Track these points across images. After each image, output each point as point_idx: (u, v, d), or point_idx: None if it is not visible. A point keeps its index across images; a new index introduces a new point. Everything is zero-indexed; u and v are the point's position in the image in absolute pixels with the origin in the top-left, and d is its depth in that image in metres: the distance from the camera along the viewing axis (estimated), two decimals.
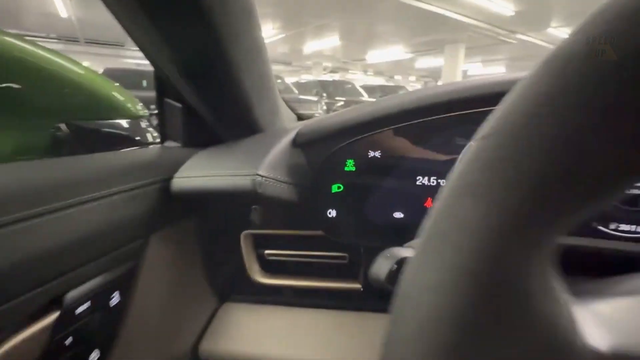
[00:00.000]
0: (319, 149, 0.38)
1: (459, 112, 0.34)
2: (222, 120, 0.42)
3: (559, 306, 0.12)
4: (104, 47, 12.20)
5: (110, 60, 12.29)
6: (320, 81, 8.15)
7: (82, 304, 0.28)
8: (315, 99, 6.68)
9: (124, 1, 0.29)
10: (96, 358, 0.31)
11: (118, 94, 0.43)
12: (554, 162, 0.11)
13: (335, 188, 0.38)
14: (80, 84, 0.38)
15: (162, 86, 0.42)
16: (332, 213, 0.38)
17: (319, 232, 0.40)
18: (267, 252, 0.45)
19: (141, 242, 0.35)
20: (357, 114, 0.37)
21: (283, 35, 9.22)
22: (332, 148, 0.38)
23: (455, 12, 6.91)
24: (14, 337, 0.23)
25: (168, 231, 0.38)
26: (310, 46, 10.81)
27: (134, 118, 0.43)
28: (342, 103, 7.18)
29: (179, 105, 0.42)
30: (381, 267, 0.22)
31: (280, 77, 7.81)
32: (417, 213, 0.36)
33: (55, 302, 0.26)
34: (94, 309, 0.29)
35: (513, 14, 6.75)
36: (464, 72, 13.96)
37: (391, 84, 17.96)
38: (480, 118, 0.14)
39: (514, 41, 8.97)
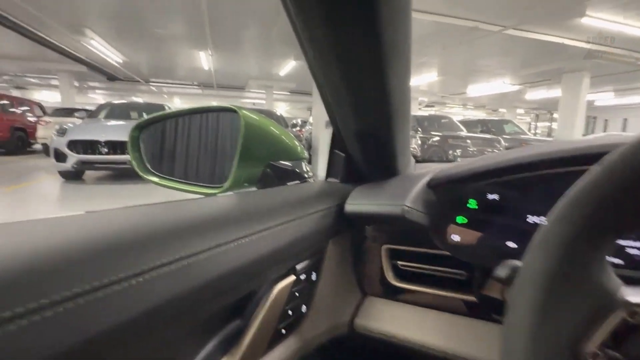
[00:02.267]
0: (448, 191, 0.52)
1: (569, 169, 0.43)
2: (371, 165, 0.62)
3: (608, 277, 0.22)
4: (229, 90, 14.74)
5: (233, 100, 14.78)
6: (415, 116, 8.15)
7: (301, 274, 0.47)
8: (410, 133, 6.71)
9: (323, 62, 0.45)
10: (304, 310, 0.50)
11: (295, 141, 0.63)
12: (622, 196, 0.21)
13: (460, 219, 0.50)
14: (280, 137, 0.59)
15: (334, 142, 0.63)
16: (456, 238, 0.50)
17: (445, 252, 0.52)
18: (400, 262, 0.60)
19: (325, 243, 0.54)
20: (477, 165, 0.50)
21: None
22: (457, 191, 0.51)
23: (576, 40, 6.22)
24: (277, 286, 0.43)
25: (339, 238, 0.57)
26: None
27: (302, 159, 0.63)
28: (437, 138, 7.00)
29: (342, 154, 0.63)
30: (502, 270, 0.32)
31: None
32: (527, 244, 0.45)
33: (291, 270, 0.46)
34: (305, 278, 0.49)
35: None
36: (590, 102, 12.05)
37: (494, 117, 16.61)
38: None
39: None
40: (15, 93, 14.74)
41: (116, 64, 9.76)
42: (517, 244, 0.46)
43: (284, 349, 0.47)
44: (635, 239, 0.40)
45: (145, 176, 0.59)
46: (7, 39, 7.31)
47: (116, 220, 0.29)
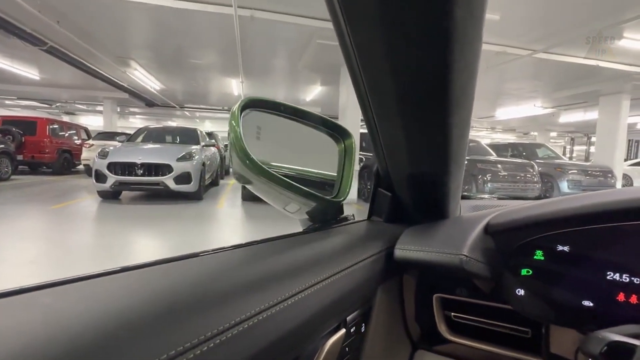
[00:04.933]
0: (509, 239, 0.47)
1: None
2: (420, 207, 0.58)
3: None
4: None
5: None
6: None
7: (352, 326, 0.43)
8: None
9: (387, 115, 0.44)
10: None
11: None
12: None
13: (524, 272, 0.45)
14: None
15: (378, 180, 0.60)
16: (520, 292, 0.45)
17: (507, 306, 0.47)
18: (453, 314, 0.54)
19: (374, 291, 0.49)
20: (545, 210, 0.45)
21: None
22: (522, 239, 0.46)
23: (612, 62, 5.98)
24: (327, 342, 0.38)
25: (388, 283, 0.53)
26: None
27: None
28: (466, 162, 6.80)
29: (389, 194, 0.59)
30: (595, 344, 0.28)
31: None
32: (608, 304, 0.41)
33: (342, 323, 0.41)
34: (355, 330, 0.44)
35: None
36: (632, 125, 11.35)
37: (525, 140, 16.01)
38: None
39: None
40: (65, 118, 16.12)
41: (154, 91, 10.47)
42: (593, 303, 0.41)
43: None
44: None
45: (246, 162, 0.44)
46: (61, 70, 8.09)
47: (163, 281, 0.28)
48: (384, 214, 0.61)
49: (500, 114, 12.27)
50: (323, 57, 6.10)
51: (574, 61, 5.94)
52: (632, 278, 0.40)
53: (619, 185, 7.52)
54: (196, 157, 5.61)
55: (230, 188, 7.45)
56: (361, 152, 6.59)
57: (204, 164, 5.84)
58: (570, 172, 6.97)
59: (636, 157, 13.23)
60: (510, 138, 18.46)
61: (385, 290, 0.52)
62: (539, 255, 0.45)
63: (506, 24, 4.50)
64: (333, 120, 0.59)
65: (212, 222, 4.45)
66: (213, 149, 7.19)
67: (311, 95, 10.22)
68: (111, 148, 5.50)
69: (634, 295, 0.40)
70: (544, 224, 0.45)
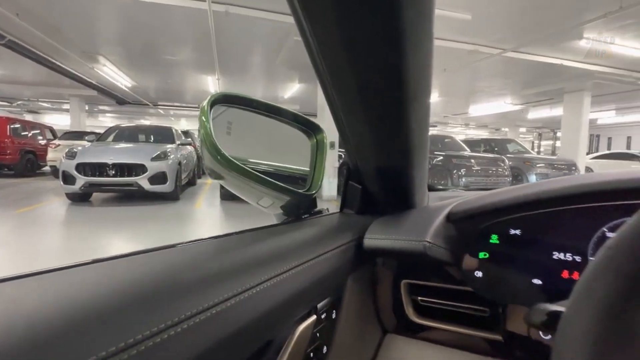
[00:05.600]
0: (468, 225, 0.51)
1: (592, 204, 0.42)
2: (388, 198, 0.61)
3: None
4: None
5: None
6: None
7: (322, 313, 0.45)
8: None
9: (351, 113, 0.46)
10: (325, 351, 0.47)
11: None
12: None
13: (482, 255, 0.49)
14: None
15: (349, 173, 0.62)
16: (478, 274, 0.49)
17: (467, 288, 0.51)
18: (420, 298, 0.58)
19: (345, 279, 0.52)
20: (498, 198, 0.49)
21: None
22: (480, 225, 0.50)
23: (575, 61, 6.33)
24: (299, 328, 0.40)
25: (358, 273, 0.55)
26: None
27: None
28: (441, 157, 7.01)
29: (359, 187, 0.61)
30: (537, 316, 0.31)
31: None
32: (554, 281, 0.45)
33: (313, 310, 0.43)
34: (326, 317, 0.46)
35: None
36: (592, 120, 12.08)
37: (497, 136, 16.67)
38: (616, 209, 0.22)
39: None
40: (28, 117, 15.17)
41: (125, 88, 10.05)
42: (542, 281, 0.45)
43: None
44: None
45: (217, 157, 0.44)
46: (22, 65, 7.61)
47: (137, 269, 0.28)
48: (355, 207, 0.63)
49: (474, 111, 12.70)
50: (300, 54, 6.08)
51: (540, 60, 6.23)
52: (574, 256, 0.44)
53: None
54: (172, 156, 5.45)
55: (209, 187, 7.30)
56: (341, 149, 6.63)
57: (180, 164, 5.68)
58: (538, 165, 7.33)
59: (597, 151, 14.10)
60: (483, 134, 19.16)
61: (356, 278, 0.54)
62: (494, 239, 0.49)
63: (478, 23, 4.66)
64: (306, 116, 0.60)
65: (189, 223, 4.35)
66: (189, 147, 7.01)
67: (289, 92, 10.16)
68: (80, 148, 5.24)
69: (576, 272, 0.44)
70: (498, 211, 0.49)
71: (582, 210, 0.43)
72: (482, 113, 12.81)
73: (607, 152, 12.41)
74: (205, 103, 0.45)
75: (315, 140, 0.60)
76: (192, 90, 10.83)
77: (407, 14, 0.31)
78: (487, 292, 0.49)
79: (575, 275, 0.45)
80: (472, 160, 6.91)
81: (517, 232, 0.48)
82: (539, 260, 0.46)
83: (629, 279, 0.20)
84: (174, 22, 5.20)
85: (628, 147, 15.69)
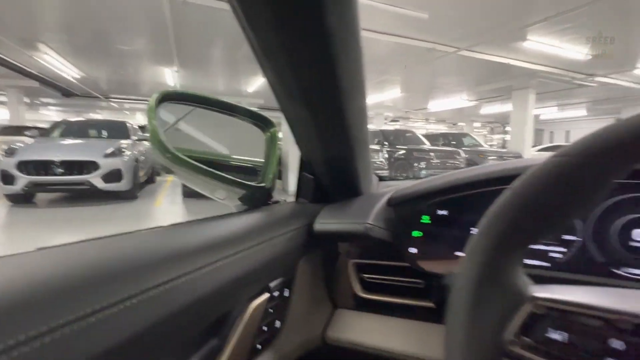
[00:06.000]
0: (404, 208, 0.58)
1: (496, 187, 0.50)
2: (337, 187, 0.66)
3: (519, 278, 0.28)
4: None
5: None
6: (381, 131, 8.46)
7: (275, 291, 0.49)
8: (377, 147, 6.94)
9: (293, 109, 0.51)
10: (279, 325, 0.52)
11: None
12: (525, 217, 0.26)
13: (415, 233, 0.56)
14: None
15: (302, 165, 0.68)
16: (413, 250, 0.56)
17: (405, 264, 0.58)
18: (365, 275, 0.65)
19: (297, 261, 0.57)
20: (429, 184, 0.57)
21: None
22: (413, 208, 0.57)
23: (520, 61, 6.84)
24: (252, 304, 0.44)
25: (310, 255, 0.60)
26: (372, 98, 11.41)
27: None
28: (403, 151, 7.30)
29: (311, 177, 0.67)
30: (451, 279, 0.38)
31: None
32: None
33: (265, 289, 0.47)
34: (279, 295, 0.51)
35: (589, 58, 6.45)
36: (536, 116, 13.15)
37: (454, 131, 17.61)
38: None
39: (592, 84, 8.39)
40: None
41: (72, 79, 9.28)
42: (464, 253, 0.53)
43: None
44: (550, 244, 0.48)
45: (166, 154, 0.47)
46: None
47: (94, 250, 0.31)
48: (309, 196, 0.68)
49: (433, 106, 13.29)
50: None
51: (491, 59, 6.65)
52: None
53: None
54: (127, 152, 5.15)
55: (170, 184, 7.00)
56: None
57: (137, 160, 5.38)
58: (489, 157, 7.88)
59: (541, 144, 15.42)
60: (442, 128, 20.13)
61: (308, 259, 0.59)
62: (425, 219, 0.56)
63: (434, 22, 4.87)
64: (269, 110, 0.63)
65: (148, 224, 4.16)
66: (147, 143, 6.65)
67: (253, 86, 9.96)
68: (20, 145, 4.79)
69: None
70: (428, 195, 0.56)
71: (493, 193, 0.50)
72: (440, 108, 13.44)
73: (549, 145, 13.60)
74: (151, 101, 0.47)
75: (269, 134, 0.63)
76: (149, 82, 10.24)
77: (329, 20, 0.35)
78: (419, 265, 0.56)
79: None
80: (432, 154, 7.27)
81: (444, 212, 0.55)
82: (461, 236, 0.53)
83: (497, 236, 0.27)
84: (126, 9, 4.87)
85: (567, 140, 17.28)
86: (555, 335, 0.25)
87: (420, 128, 20.49)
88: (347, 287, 0.66)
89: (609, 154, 0.23)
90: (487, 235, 0.27)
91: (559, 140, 17.40)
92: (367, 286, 0.65)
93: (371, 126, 15.88)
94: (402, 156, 7.20)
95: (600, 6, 4.31)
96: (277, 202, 0.64)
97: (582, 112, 14.30)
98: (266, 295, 0.47)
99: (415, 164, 6.99)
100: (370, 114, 15.22)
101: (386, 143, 7.49)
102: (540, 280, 0.29)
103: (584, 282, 0.33)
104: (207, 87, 10.69)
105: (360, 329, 0.63)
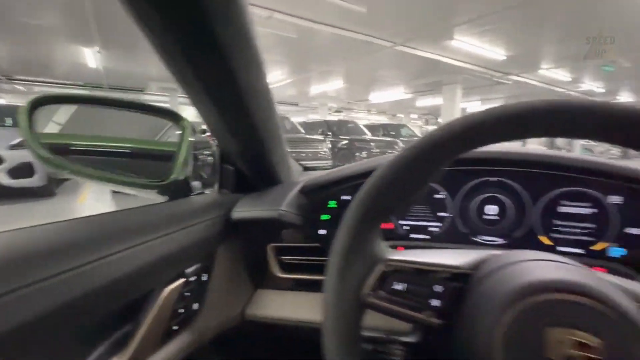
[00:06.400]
0: (315, 194, 0.64)
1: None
2: (256, 177, 0.70)
3: (377, 246, 0.35)
4: (125, 92, 13.10)
5: None
6: (325, 121, 8.62)
7: (192, 276, 0.52)
8: (321, 137, 7.07)
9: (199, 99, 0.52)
10: (196, 307, 0.55)
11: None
12: (380, 198, 0.33)
13: (324, 217, 0.63)
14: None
15: (223, 157, 0.70)
16: (322, 232, 0.63)
17: (316, 244, 0.64)
18: (283, 257, 0.70)
19: (215, 247, 0.60)
20: (336, 175, 0.64)
21: (290, 80, 9.91)
22: (322, 194, 0.64)
23: (448, 58, 7.45)
24: (166, 289, 0.47)
25: (228, 242, 0.63)
26: (316, 89, 11.52)
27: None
28: (346, 142, 7.54)
29: (232, 168, 0.70)
30: None
31: (286, 118, 8.30)
32: None
33: (181, 275, 0.50)
34: (196, 280, 0.54)
35: (504, 58, 7.27)
36: (463, 109, 14.50)
37: (394, 122, 18.62)
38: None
39: (507, 82, 9.49)
40: None
41: None
42: None
43: (178, 344, 0.52)
44: (430, 220, 0.59)
45: (46, 161, 0.45)
46: None
47: (6, 238, 0.33)
48: (230, 186, 0.71)
49: (374, 98, 13.86)
50: None
51: (424, 55, 7.14)
52: None
53: None
54: None
55: None
56: None
57: None
58: None
59: None
60: (383, 119, 21.12)
61: (228, 246, 0.63)
62: (332, 204, 0.63)
63: (372, 17, 5.06)
64: (166, 107, 0.65)
65: None
66: None
67: None
68: None
69: (389, 224, 0.63)
70: (335, 182, 0.63)
71: None
72: (381, 100, 14.09)
73: None
74: (22, 108, 0.44)
75: (180, 127, 0.64)
76: (66, 62, 9.01)
77: (217, 30, 0.38)
78: (328, 245, 0.63)
79: (388, 226, 0.62)
80: (372, 144, 7.63)
81: (348, 197, 0.62)
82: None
83: (359, 214, 0.33)
84: None
85: None
86: (398, 286, 0.33)
87: (363, 119, 21.26)
88: (267, 269, 0.71)
89: (436, 149, 0.30)
90: (352, 213, 0.33)
91: None
92: (286, 267, 0.71)
93: (316, 116, 16.06)
94: (345, 146, 7.45)
95: (514, 13, 4.89)
96: (202, 192, 0.66)
97: None
98: (182, 280, 0.50)
99: (357, 154, 7.28)
100: (315, 105, 15.36)
101: (329, 133, 7.67)
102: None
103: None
104: (138, 71, 9.78)
105: (277, 305, 0.69)
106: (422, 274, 0.33)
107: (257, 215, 0.61)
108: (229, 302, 0.66)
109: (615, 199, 0.52)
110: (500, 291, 0.27)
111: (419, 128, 22.95)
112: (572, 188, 0.54)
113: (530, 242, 0.56)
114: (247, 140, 0.59)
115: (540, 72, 8.65)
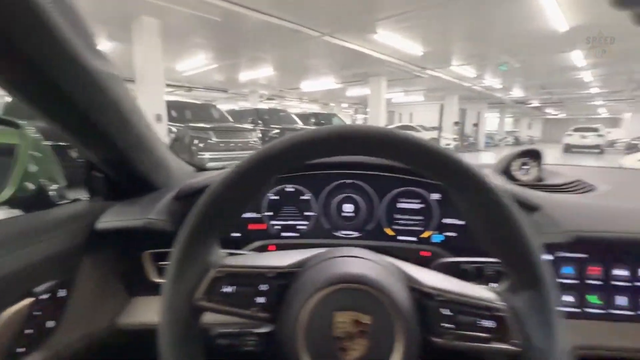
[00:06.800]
0: (187, 200, 0.64)
1: None
2: (129, 184, 0.66)
3: (212, 255, 0.38)
4: None
5: None
6: (256, 109, 8.40)
7: (43, 294, 0.48)
8: (250, 127, 6.87)
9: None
10: (52, 325, 0.52)
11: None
12: (212, 214, 0.35)
13: None
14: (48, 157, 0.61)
15: (92, 164, 0.65)
16: None
17: None
18: (161, 263, 0.69)
19: (78, 260, 0.57)
20: (210, 180, 0.63)
21: (216, 65, 9.36)
22: (196, 199, 0.62)
23: (373, 51, 7.83)
24: (8, 310, 0.43)
25: (95, 253, 0.60)
26: (246, 75, 11.10)
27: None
28: (277, 131, 7.48)
29: (101, 175, 0.65)
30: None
31: (213, 106, 7.87)
32: (245, 232, 0.69)
33: (28, 294, 0.46)
34: (50, 297, 0.50)
35: (422, 54, 7.91)
36: (388, 99, 15.48)
37: (325, 111, 19.01)
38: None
39: (425, 76, 10.38)
40: None
41: None
42: (240, 233, 0.68)
43: None
44: (297, 219, 0.67)
45: None
46: None
47: None
48: (101, 194, 0.67)
49: (305, 87, 13.91)
50: (107, 5, 4.98)
51: (350, 46, 7.37)
52: (256, 214, 0.68)
53: None
54: None
55: None
56: (170, 123, 6.02)
57: None
58: None
59: (392, 124, 18.35)
60: (315, 108, 21.38)
61: (96, 257, 0.61)
62: None
63: (299, 5, 5.03)
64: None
65: None
66: None
67: None
68: None
69: (255, 224, 0.68)
70: (202, 189, 0.63)
71: None
72: (312, 89, 14.20)
73: (398, 124, 16.30)
74: None
75: (17, 137, 0.59)
76: None
77: (45, 50, 0.37)
78: None
79: (256, 227, 0.68)
80: None
81: None
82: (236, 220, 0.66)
83: (193, 228, 0.35)
84: None
85: (410, 120, 21.07)
86: (227, 289, 0.36)
87: (296, 107, 21.26)
88: (143, 276, 0.69)
89: (262, 166, 0.34)
90: (187, 225, 0.35)
91: (406, 121, 21.08)
92: (163, 272, 0.70)
93: (246, 104, 15.54)
94: (276, 135, 7.38)
95: (429, 13, 5.32)
96: (75, 200, 0.63)
97: (421, 97, 17.60)
98: (29, 300, 0.47)
99: None
100: (245, 92, 14.83)
101: (260, 122, 7.51)
102: (294, 247, 0.42)
103: (320, 245, 0.47)
104: None
105: (153, 311, 0.68)
106: (249, 276, 0.37)
107: (122, 225, 0.59)
108: (96, 315, 0.63)
109: (436, 196, 0.66)
110: (307, 284, 0.33)
111: (349, 117, 23.88)
112: (406, 188, 0.66)
113: (378, 234, 0.68)
114: (104, 152, 0.57)
115: (452, 68, 9.64)
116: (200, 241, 0.35)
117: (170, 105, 6.36)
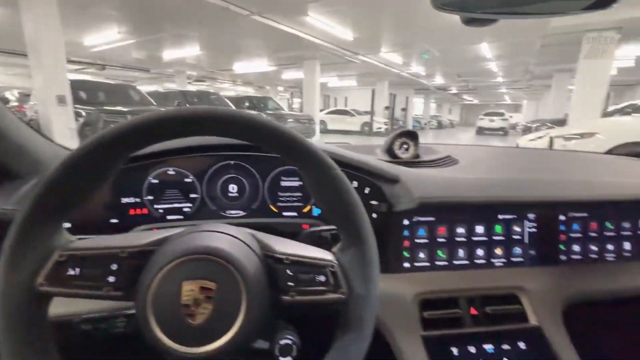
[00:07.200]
0: None
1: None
2: None
3: (55, 239, 0.36)
4: None
5: None
6: (182, 92, 7.79)
7: None
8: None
9: None
10: None
11: None
12: (53, 196, 0.34)
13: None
14: None
15: None
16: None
17: None
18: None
19: None
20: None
21: (132, 40, 8.39)
22: None
23: (305, 34, 7.79)
24: None
25: None
26: (171, 53, 10.16)
27: None
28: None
29: None
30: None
31: (132, 87, 7.09)
32: (125, 218, 0.66)
33: None
34: None
35: (352, 39, 8.10)
36: (324, 84, 15.64)
37: (259, 94, 18.48)
38: None
39: (357, 61, 10.69)
40: None
41: None
42: (117, 219, 0.66)
43: None
44: (182, 202, 0.69)
45: None
46: None
47: None
48: None
49: (238, 68, 13.29)
50: None
51: (282, 28, 7.21)
52: (136, 199, 0.67)
53: (317, 128, 10.45)
54: None
55: None
56: (78, 106, 5.28)
57: None
58: (289, 120, 8.88)
59: (328, 108, 18.64)
60: (250, 91, 20.63)
61: None
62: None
63: None
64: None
65: None
66: None
67: None
68: None
69: (138, 209, 0.67)
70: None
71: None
72: (246, 71, 13.63)
73: (333, 109, 16.62)
74: None
75: None
76: None
77: None
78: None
79: (135, 211, 0.67)
80: None
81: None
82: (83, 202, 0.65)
83: (30, 211, 0.34)
84: None
85: (345, 105, 21.62)
86: (72, 272, 0.35)
87: (230, 90, 20.26)
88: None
89: (107, 148, 0.33)
90: (23, 210, 0.34)
91: (340, 105, 21.57)
92: None
93: (172, 85, 14.30)
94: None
95: None
96: None
97: (354, 82, 18.11)
98: None
99: None
100: (170, 72, 13.62)
101: (187, 105, 7.01)
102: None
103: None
104: None
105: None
106: (98, 257, 0.36)
107: None
108: None
109: None
110: (158, 259, 0.35)
111: (286, 101, 23.58)
112: (288, 167, 0.71)
113: (264, 212, 0.71)
114: None
115: (381, 54, 10.07)
116: (40, 224, 0.34)
117: (78, 85, 5.56)
